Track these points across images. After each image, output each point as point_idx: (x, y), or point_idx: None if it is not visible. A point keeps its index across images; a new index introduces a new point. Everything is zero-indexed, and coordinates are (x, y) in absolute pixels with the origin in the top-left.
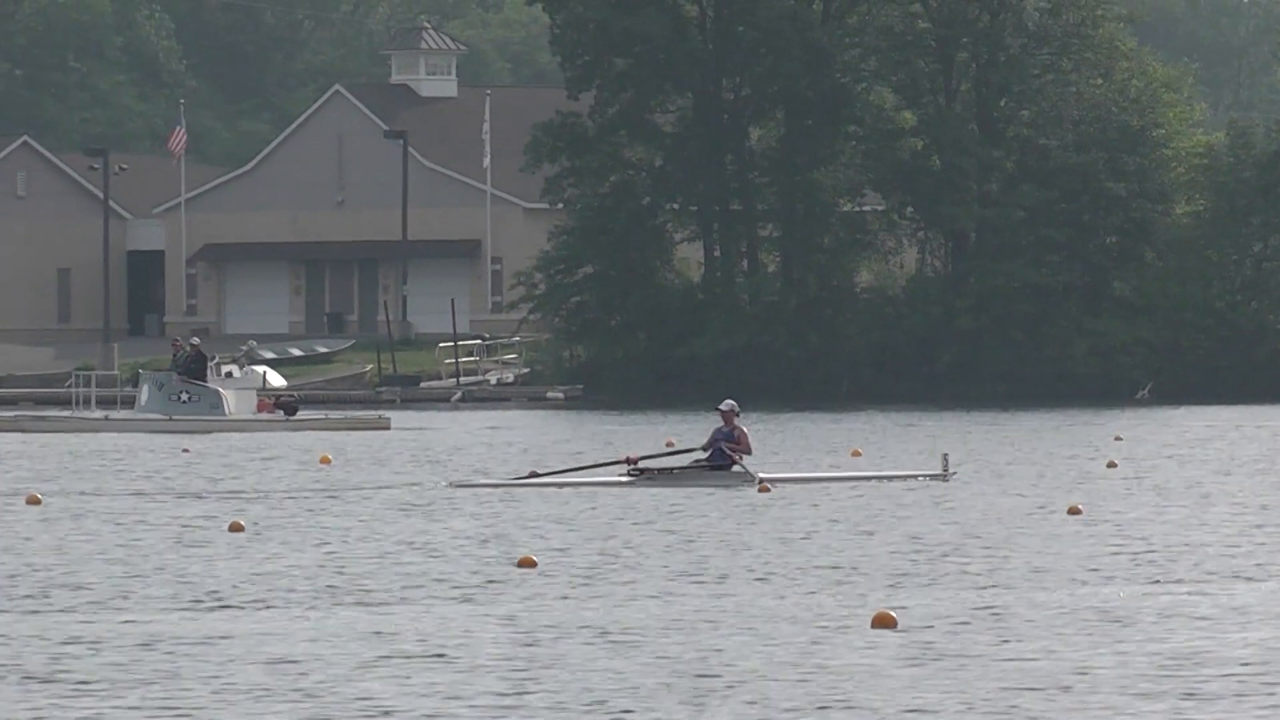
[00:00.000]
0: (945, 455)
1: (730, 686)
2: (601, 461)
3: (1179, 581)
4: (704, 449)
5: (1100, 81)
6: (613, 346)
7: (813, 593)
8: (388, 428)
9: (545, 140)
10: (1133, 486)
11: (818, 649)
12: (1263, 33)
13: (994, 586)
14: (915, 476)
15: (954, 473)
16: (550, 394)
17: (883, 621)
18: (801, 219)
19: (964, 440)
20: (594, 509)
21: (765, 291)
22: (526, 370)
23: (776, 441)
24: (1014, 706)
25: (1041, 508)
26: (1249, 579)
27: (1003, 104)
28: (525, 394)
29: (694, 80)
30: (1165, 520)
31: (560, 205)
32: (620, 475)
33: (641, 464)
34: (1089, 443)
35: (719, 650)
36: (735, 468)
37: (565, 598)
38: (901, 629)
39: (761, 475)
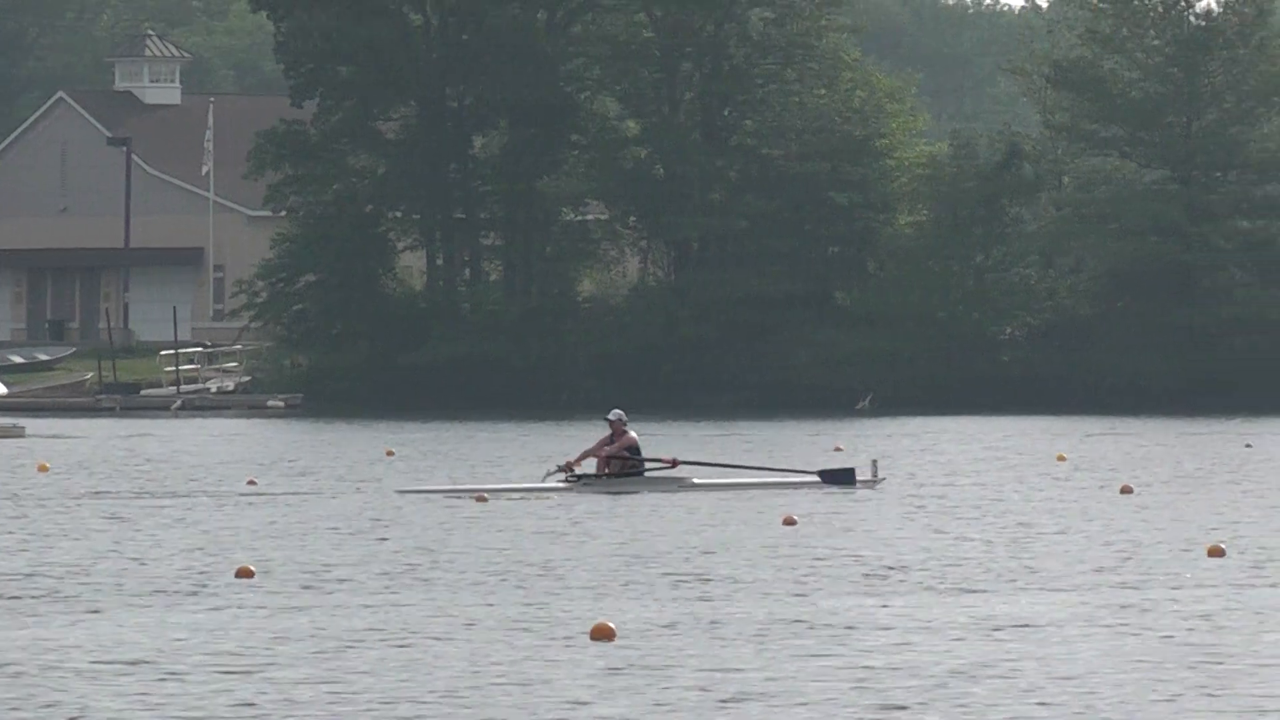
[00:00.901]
0: (875, 461)
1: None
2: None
3: (891, 593)
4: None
5: (824, 92)
6: (334, 355)
7: (531, 604)
8: (22, 435)
9: (268, 148)
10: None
11: (528, 662)
12: (986, 43)
13: (701, 599)
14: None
15: (883, 478)
16: (270, 402)
17: (601, 633)
18: (524, 228)
19: (700, 448)
20: (326, 517)
21: (487, 300)
22: (248, 378)
23: (487, 452)
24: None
25: (759, 514)
26: (951, 592)
27: (727, 114)
28: (245, 402)
29: (419, 89)
30: (872, 531)
31: (283, 213)
32: (559, 482)
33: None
34: (806, 454)
35: (415, 661)
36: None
37: (278, 608)
38: (619, 641)
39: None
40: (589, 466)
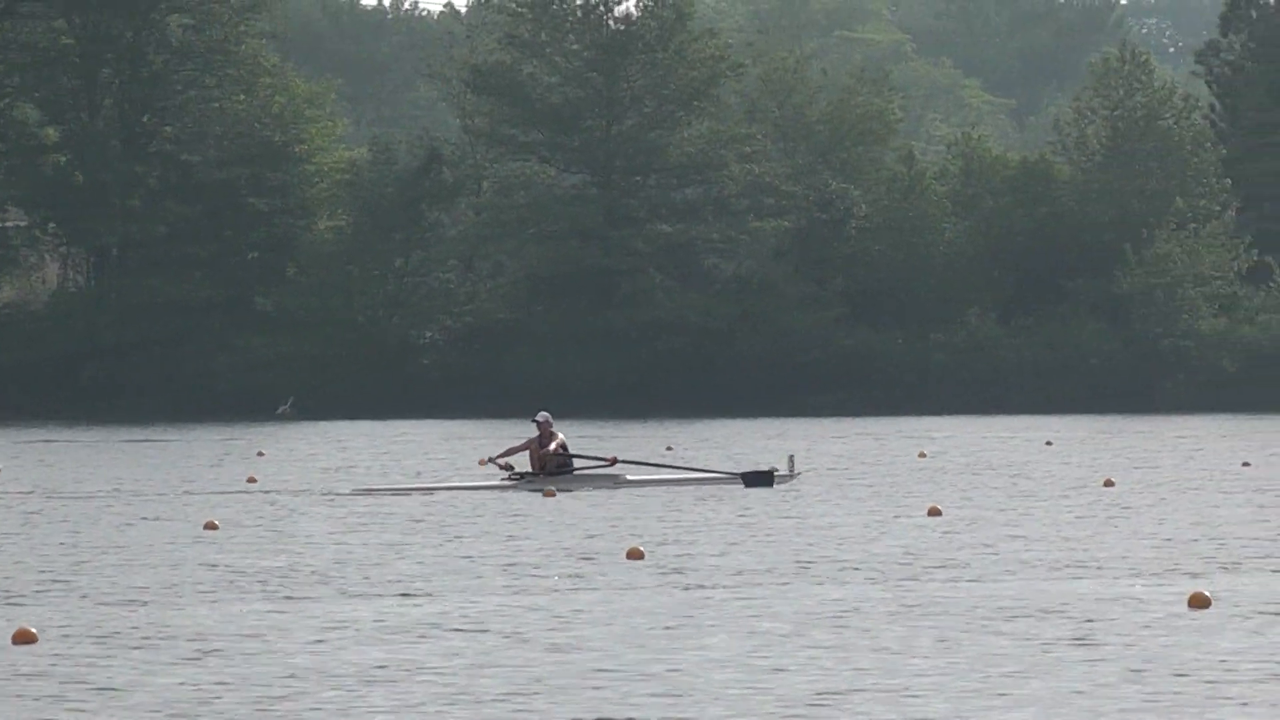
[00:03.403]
0: (791, 456)
1: None
2: None
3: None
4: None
5: (243, 97)
6: None
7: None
8: None
9: None
10: (264, 501)
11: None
12: (406, 49)
13: (119, 604)
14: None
15: (799, 472)
16: None
17: None
18: None
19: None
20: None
21: None
22: None
23: None
24: None
25: (179, 520)
26: (422, 594)
27: (146, 120)
28: None
29: None
30: (295, 535)
31: None
32: (501, 479)
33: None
34: (224, 461)
35: None
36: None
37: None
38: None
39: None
40: (522, 465)
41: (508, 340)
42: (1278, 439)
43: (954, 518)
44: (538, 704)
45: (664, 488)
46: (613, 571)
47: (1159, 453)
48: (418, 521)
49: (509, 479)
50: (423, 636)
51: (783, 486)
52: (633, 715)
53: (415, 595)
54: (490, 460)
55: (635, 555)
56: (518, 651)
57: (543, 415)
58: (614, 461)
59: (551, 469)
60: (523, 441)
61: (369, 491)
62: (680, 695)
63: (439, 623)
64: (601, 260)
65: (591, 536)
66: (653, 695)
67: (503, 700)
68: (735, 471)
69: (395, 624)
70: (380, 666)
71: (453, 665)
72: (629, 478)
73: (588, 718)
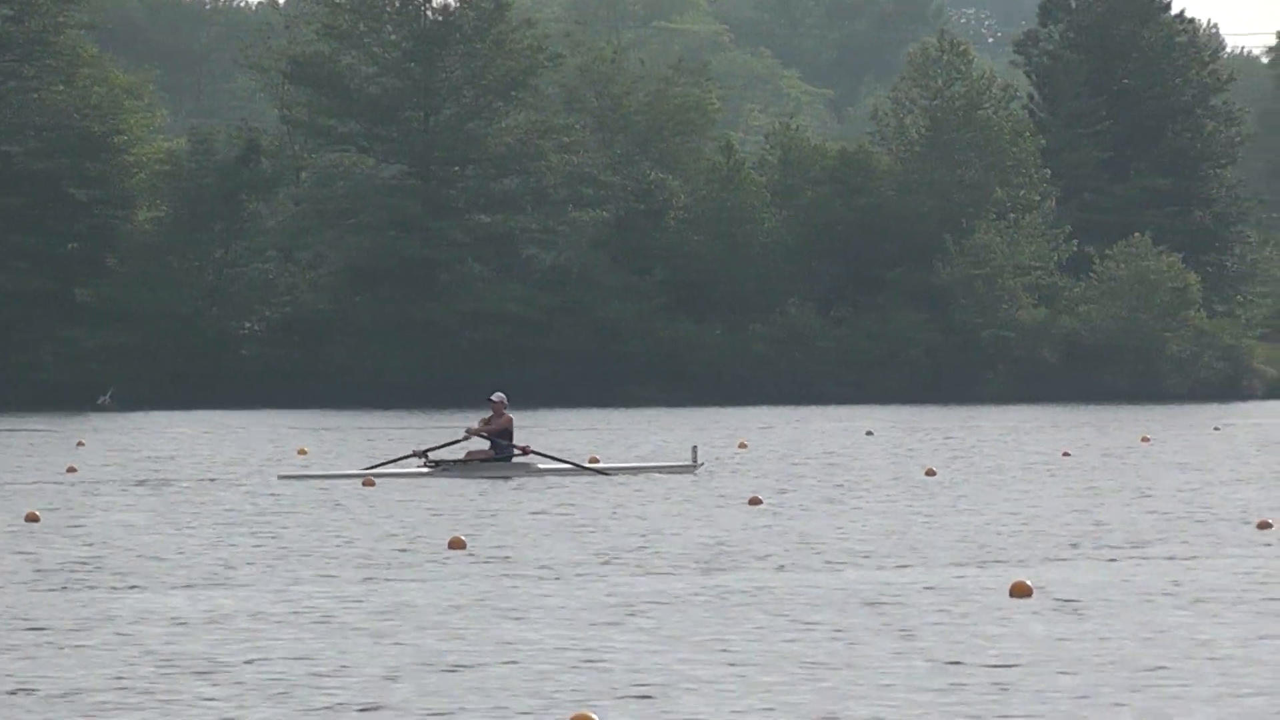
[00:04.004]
0: (695, 448)
1: None
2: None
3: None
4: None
5: (63, 88)
6: None
7: None
8: None
9: None
10: (92, 489)
11: None
12: (224, 39)
13: None
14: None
15: (702, 463)
16: None
17: None
18: None
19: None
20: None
21: None
22: None
23: None
24: None
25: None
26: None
27: None
28: None
29: None
30: (121, 525)
31: None
32: (420, 467)
33: (432, 455)
34: (45, 453)
35: None
36: (519, 457)
37: None
38: None
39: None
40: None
41: (327, 331)
42: (1097, 429)
43: (774, 507)
44: (340, 694)
45: (569, 478)
46: (434, 561)
47: (980, 443)
48: (230, 511)
49: (427, 464)
50: (228, 626)
51: (619, 478)
52: (431, 706)
53: (227, 585)
54: (473, 432)
55: (457, 545)
56: (324, 641)
57: (498, 395)
58: (526, 451)
59: (478, 460)
60: (479, 421)
61: (292, 478)
62: (477, 690)
63: (248, 611)
64: (421, 251)
65: (405, 527)
66: (464, 688)
67: (305, 687)
68: (653, 464)
69: (201, 614)
70: (194, 657)
71: (256, 655)
72: (539, 466)
73: (385, 704)
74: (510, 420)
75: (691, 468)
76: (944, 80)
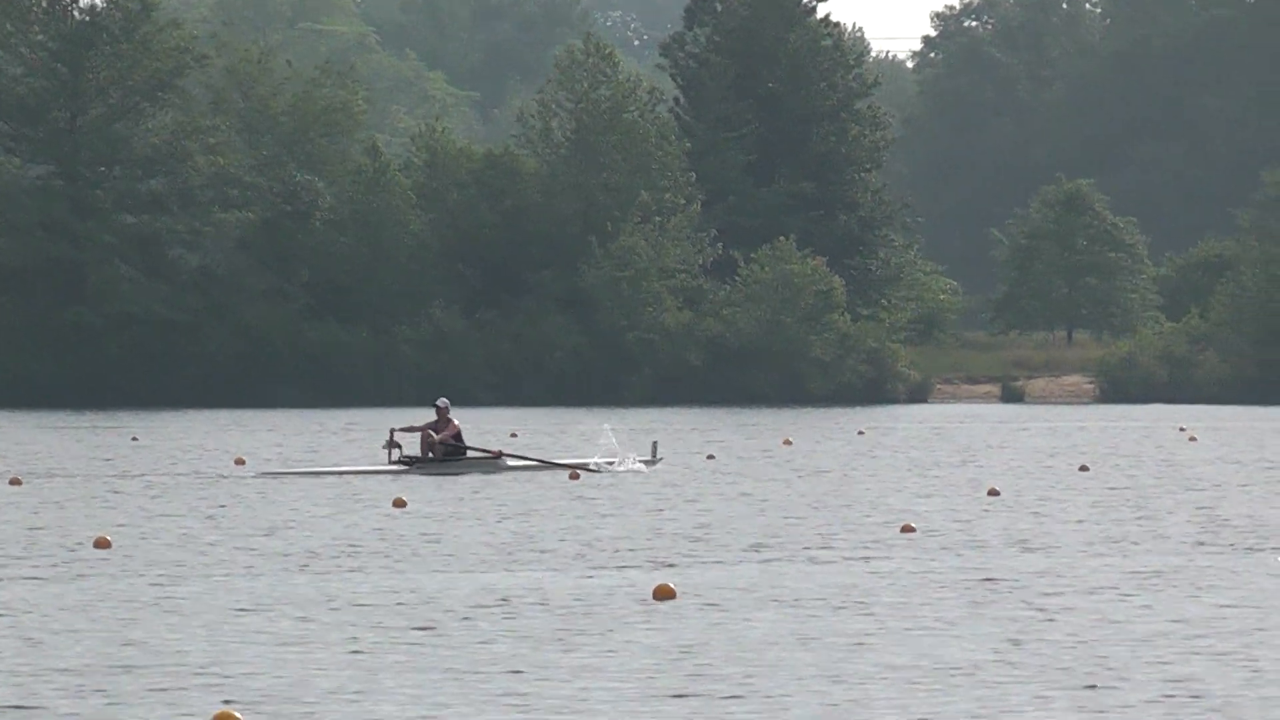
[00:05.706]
0: (655, 443)
1: None
2: None
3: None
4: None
5: None
6: None
7: None
8: None
9: None
10: None
11: None
12: None
13: None
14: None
15: (661, 458)
16: None
17: None
18: None
19: None
20: None
21: None
22: None
23: None
24: None
25: None
26: None
27: None
28: None
29: None
30: None
31: None
32: (393, 464)
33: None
34: None
35: None
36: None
37: None
38: None
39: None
40: (413, 447)
41: None
42: (740, 432)
43: (416, 509)
44: None
45: (529, 473)
46: (74, 561)
47: (626, 445)
48: None
49: (400, 460)
50: None
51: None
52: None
53: None
54: (396, 431)
55: (102, 544)
56: None
57: (442, 401)
58: (499, 455)
59: (439, 455)
60: (423, 423)
61: (275, 475)
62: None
63: None
64: (68, 252)
65: (42, 527)
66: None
67: None
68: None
69: None
70: None
71: None
72: (509, 463)
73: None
74: (457, 427)
75: (651, 462)
76: (589, 83)
